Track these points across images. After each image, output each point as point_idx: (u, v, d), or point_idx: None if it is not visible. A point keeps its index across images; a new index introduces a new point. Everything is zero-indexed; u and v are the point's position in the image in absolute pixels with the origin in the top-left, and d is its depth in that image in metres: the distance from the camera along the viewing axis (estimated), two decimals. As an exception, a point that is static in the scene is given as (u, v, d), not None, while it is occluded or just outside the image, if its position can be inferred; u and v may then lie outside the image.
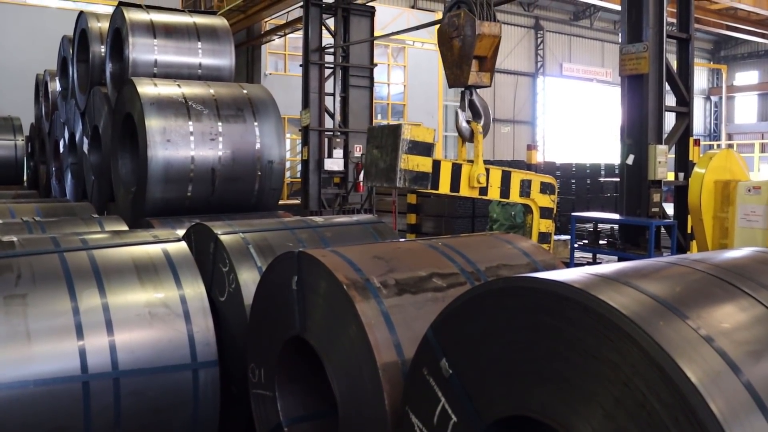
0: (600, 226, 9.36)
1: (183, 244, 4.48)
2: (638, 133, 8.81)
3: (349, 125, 16.39)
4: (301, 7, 17.42)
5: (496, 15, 7.01)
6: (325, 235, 5.29)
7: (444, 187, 6.40)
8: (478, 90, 6.79)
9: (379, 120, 25.11)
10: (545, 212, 7.07)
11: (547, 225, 7.07)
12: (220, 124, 7.11)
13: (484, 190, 6.65)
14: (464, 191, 6.55)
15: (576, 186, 18.09)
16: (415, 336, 3.28)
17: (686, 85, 9.45)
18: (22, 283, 3.79)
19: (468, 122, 6.68)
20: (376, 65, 17.28)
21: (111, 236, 4.62)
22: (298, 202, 17.57)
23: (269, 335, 3.98)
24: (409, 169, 5.95)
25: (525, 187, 6.90)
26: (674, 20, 10.14)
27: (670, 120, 9.20)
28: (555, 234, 15.17)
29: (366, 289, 3.34)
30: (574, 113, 39.69)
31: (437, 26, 7.13)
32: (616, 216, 9.35)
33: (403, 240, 4.63)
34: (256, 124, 7.30)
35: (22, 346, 3.60)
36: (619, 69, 9.03)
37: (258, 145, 7.27)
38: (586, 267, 2.62)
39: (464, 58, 6.42)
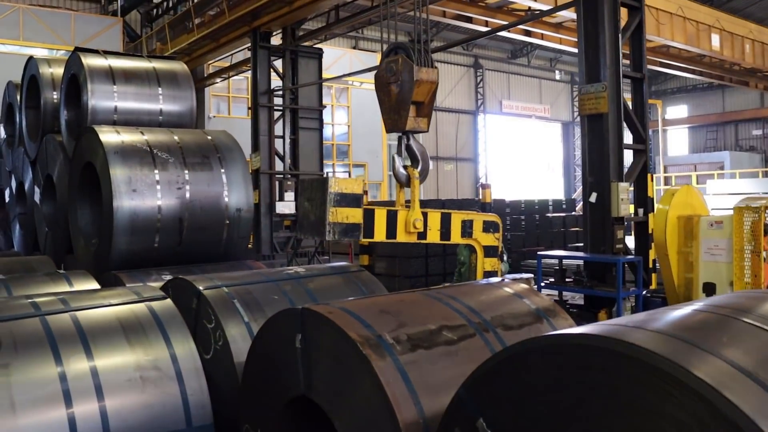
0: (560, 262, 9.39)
1: (168, 301, 4.28)
2: (600, 171, 8.91)
3: (299, 167, 16.27)
4: (248, 48, 17.35)
5: (434, 55, 6.98)
6: (309, 287, 5.14)
7: (380, 235, 6.25)
8: (415, 135, 6.69)
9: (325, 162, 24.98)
10: (489, 251, 6.95)
11: (492, 263, 6.97)
12: (186, 172, 6.91)
13: (422, 234, 6.53)
14: (401, 237, 6.41)
15: (525, 222, 18.25)
16: (433, 392, 3.18)
17: (642, 123, 9.64)
18: (4, 352, 3.56)
19: (405, 167, 6.54)
20: (325, 107, 17.25)
21: (91, 295, 4.39)
22: (249, 246, 17.27)
23: (267, 395, 3.80)
24: (338, 222, 5.85)
25: (467, 228, 6.78)
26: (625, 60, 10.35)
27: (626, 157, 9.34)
28: (511, 272, 15.25)
29: (380, 346, 3.22)
30: (514, 149, 40.34)
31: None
32: (581, 253, 9.41)
33: (403, 292, 4.51)
34: (222, 171, 7.13)
35: (6, 419, 3.36)
36: (579, 109, 9.14)
37: (225, 193, 7.08)
38: (623, 318, 2.55)
39: (402, 104, 6.28)
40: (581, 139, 9.28)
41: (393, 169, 6.52)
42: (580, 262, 9.42)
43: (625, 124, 9.37)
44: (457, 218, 6.72)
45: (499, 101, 39.46)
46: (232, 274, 5.34)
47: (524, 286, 4.78)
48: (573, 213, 20.46)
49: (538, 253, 9.60)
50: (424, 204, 17.50)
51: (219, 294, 4.72)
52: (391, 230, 6.29)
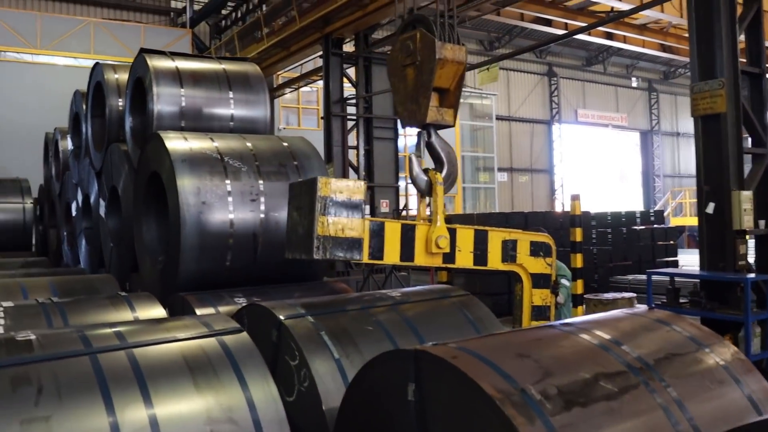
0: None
1: (244, 335, 3.54)
2: (717, 179, 7.89)
3: (374, 179, 15.55)
4: (319, 56, 16.76)
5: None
6: (407, 315, 4.37)
7: (392, 256, 4.77)
8: (439, 131, 5.21)
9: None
10: (539, 280, 5.43)
11: (543, 296, 5.42)
12: (261, 182, 6.22)
13: (449, 257, 5.01)
14: (420, 259, 4.90)
15: (612, 236, 17.09)
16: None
17: (762, 124, 8.58)
18: (45, 401, 2.86)
19: (426, 171, 5.09)
20: (399, 116, 16.50)
21: (153, 327, 3.68)
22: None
23: (367, 455, 3.02)
24: (330, 235, 4.42)
25: (509, 250, 5.28)
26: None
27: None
28: (601, 291, 14.15)
29: (526, 406, 2.42)
30: (590, 160, 38.99)
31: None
32: (697, 271, 8.37)
33: (535, 327, 3.68)
34: (300, 180, 6.41)
35: (45, 486, 2.66)
36: (692, 110, 8.13)
37: (304, 205, 6.35)
38: None
39: (421, 90, 4.96)
40: (695, 143, 8.25)
41: (410, 173, 5.09)
42: (695, 280, 8.36)
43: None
44: (496, 237, 5.24)
45: (574, 110, 38.17)
46: (316, 300, 4.59)
47: (666, 312, 3.92)
48: (662, 226, 19.22)
49: (648, 271, 8.59)
50: (506, 218, 16.63)
51: (303, 325, 3.98)
52: (408, 250, 4.84)
